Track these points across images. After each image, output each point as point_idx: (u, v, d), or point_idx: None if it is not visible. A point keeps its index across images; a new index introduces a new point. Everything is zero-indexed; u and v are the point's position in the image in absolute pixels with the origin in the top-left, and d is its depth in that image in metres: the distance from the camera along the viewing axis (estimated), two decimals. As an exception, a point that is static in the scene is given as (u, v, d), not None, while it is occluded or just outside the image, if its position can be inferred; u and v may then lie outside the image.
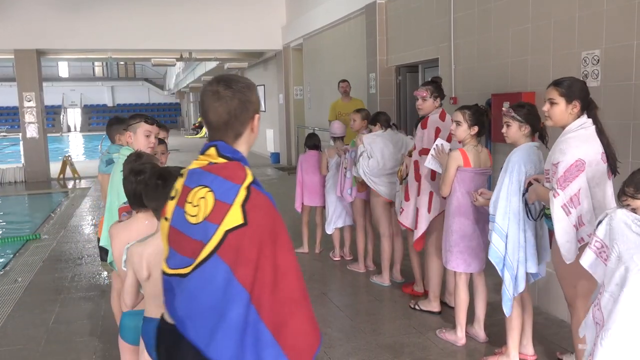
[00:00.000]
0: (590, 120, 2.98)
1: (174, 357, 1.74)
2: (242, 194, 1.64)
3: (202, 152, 1.76)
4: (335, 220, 5.72)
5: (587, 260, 2.43)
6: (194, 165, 1.77)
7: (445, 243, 3.85)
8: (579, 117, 2.98)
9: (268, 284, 1.61)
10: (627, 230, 2.25)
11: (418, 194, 4.31)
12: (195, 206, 1.67)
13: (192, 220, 1.67)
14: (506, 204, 3.27)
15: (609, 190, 2.98)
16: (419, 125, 4.39)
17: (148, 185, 2.21)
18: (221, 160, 1.72)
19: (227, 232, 1.61)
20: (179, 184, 1.78)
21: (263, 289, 1.61)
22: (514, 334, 3.45)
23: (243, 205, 1.62)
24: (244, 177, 1.67)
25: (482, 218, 3.71)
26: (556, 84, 3.03)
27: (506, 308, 3.35)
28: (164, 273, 1.74)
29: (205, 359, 1.62)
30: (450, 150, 3.91)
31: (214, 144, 1.74)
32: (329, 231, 5.78)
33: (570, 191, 2.86)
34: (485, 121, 3.77)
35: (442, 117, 4.35)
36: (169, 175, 2.18)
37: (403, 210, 4.46)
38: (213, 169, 1.70)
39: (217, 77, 1.78)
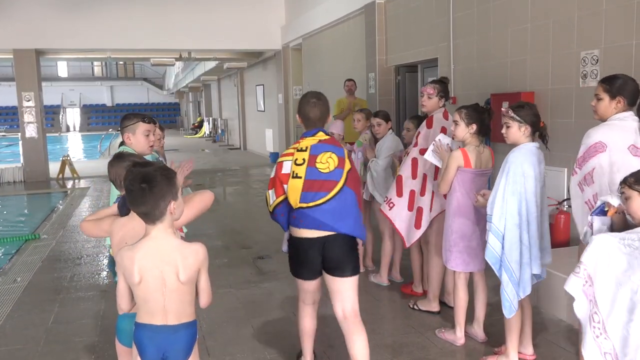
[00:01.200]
0: (630, 114, 3.05)
1: (317, 251, 3.01)
2: (345, 153, 3.07)
3: (312, 135, 3.07)
4: None
5: (572, 286, 2.30)
6: (311, 142, 3.04)
7: (445, 242, 3.85)
8: (624, 111, 3.07)
9: (359, 189, 3.15)
10: (616, 253, 2.16)
11: (422, 193, 4.29)
12: (324, 163, 2.97)
13: (325, 170, 2.97)
14: (502, 204, 3.26)
15: None
16: (424, 124, 4.38)
17: (133, 191, 2.12)
18: (327, 137, 3.09)
19: (347, 172, 3.00)
20: (305, 155, 3.00)
21: (359, 192, 3.12)
22: (512, 334, 3.45)
23: (349, 158, 3.07)
24: (340, 145, 3.17)
25: (482, 218, 3.70)
26: (603, 80, 3.15)
27: (506, 310, 3.32)
28: (299, 208, 2.96)
29: (349, 243, 3.04)
30: (447, 145, 3.90)
31: (319, 130, 3.10)
32: None
33: (586, 169, 2.97)
34: (485, 119, 3.74)
35: (446, 116, 4.33)
36: (152, 178, 2.11)
37: (394, 205, 4.39)
38: (327, 142, 3.06)
39: (311, 93, 3.21)
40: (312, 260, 3.03)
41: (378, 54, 8.07)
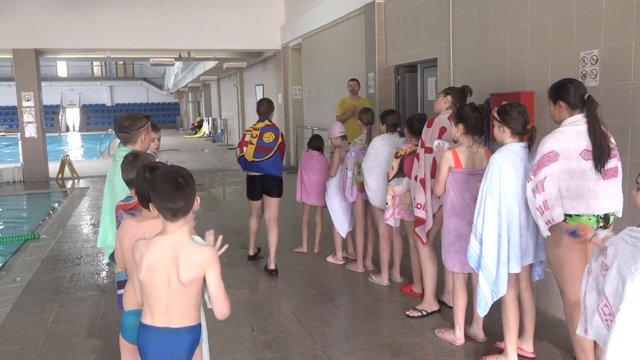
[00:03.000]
0: (580, 117, 3.11)
1: (260, 184, 5.54)
2: (280, 132, 5.54)
3: (262, 121, 5.46)
4: (349, 225, 5.73)
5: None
6: (261, 125, 5.43)
7: (443, 242, 3.86)
8: (573, 114, 3.13)
9: (284, 153, 5.64)
10: (624, 243, 2.24)
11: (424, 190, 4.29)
12: (267, 138, 5.38)
13: (267, 141, 5.38)
14: (480, 203, 3.29)
15: (588, 185, 3.05)
16: (425, 125, 4.38)
17: (166, 189, 2.11)
18: (270, 123, 5.51)
19: (280, 143, 5.47)
20: (257, 132, 5.39)
21: (283, 154, 5.59)
22: (511, 333, 3.46)
23: (281, 135, 5.54)
24: (277, 127, 5.56)
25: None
26: (549, 87, 3.26)
27: (480, 309, 3.38)
28: (253, 161, 5.39)
29: (276, 180, 5.53)
30: (444, 145, 3.92)
31: (266, 118, 5.50)
32: (344, 235, 5.77)
33: (538, 177, 3.08)
34: (475, 118, 3.72)
35: (450, 118, 4.31)
36: (186, 175, 2.15)
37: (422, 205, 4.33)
38: (270, 126, 5.47)
39: (263, 98, 5.69)
40: (258, 187, 5.51)
41: (377, 53, 8.07)
